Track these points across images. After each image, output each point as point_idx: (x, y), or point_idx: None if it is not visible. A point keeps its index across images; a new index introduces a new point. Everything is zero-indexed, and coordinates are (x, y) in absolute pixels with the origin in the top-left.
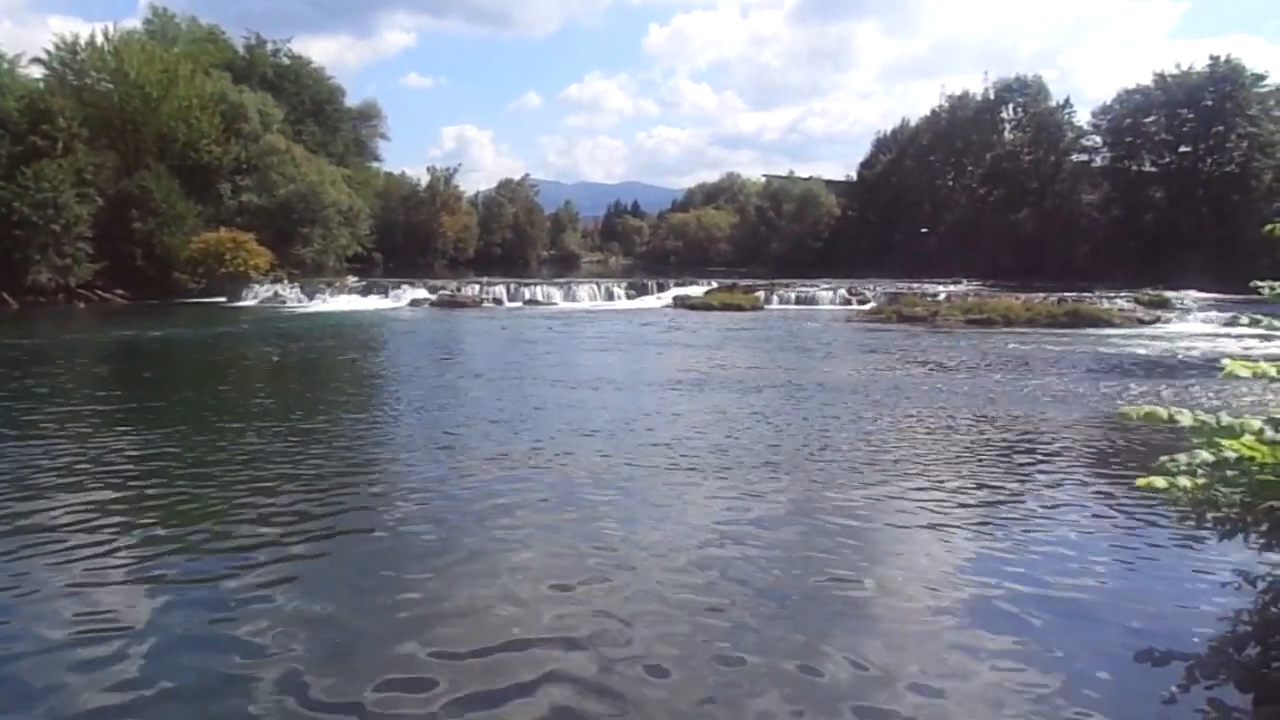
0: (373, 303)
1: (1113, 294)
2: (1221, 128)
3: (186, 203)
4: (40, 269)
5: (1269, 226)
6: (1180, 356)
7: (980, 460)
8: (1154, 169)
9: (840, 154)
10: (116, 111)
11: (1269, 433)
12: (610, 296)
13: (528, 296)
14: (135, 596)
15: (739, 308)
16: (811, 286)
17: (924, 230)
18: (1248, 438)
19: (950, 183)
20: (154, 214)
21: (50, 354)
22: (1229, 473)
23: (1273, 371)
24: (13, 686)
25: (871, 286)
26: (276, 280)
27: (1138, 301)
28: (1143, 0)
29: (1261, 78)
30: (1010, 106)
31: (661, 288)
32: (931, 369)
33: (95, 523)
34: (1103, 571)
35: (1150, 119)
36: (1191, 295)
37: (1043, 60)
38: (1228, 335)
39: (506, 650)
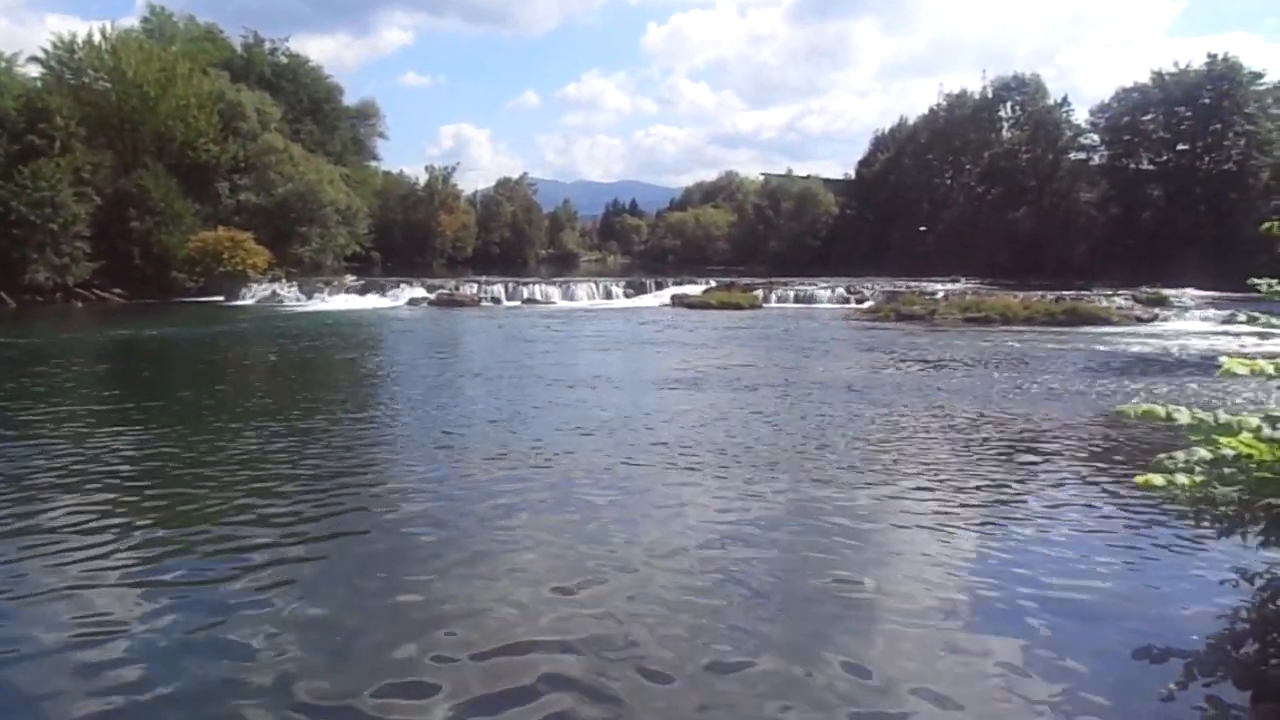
0: (371, 302)
1: (1110, 292)
2: (1219, 126)
3: (184, 201)
4: (38, 268)
5: (1266, 224)
6: (1178, 354)
7: (978, 459)
8: (1152, 167)
9: (838, 152)
10: (114, 110)
11: (1267, 430)
12: (608, 295)
13: (526, 295)
14: (132, 599)
15: (737, 306)
16: (810, 285)
17: (922, 229)
18: (1245, 435)
19: (948, 181)
20: (152, 213)
21: (47, 353)
22: (1227, 470)
23: (1270, 369)
24: (8, 690)
25: (870, 285)
26: (274, 279)
27: (1135, 299)
28: None
29: (1259, 75)
30: (1008, 105)
31: (660, 286)
32: (929, 367)
33: (92, 524)
34: (1100, 569)
35: (1148, 117)
36: (1189, 293)
37: (1041, 58)
38: (1225, 333)
39: (506, 654)
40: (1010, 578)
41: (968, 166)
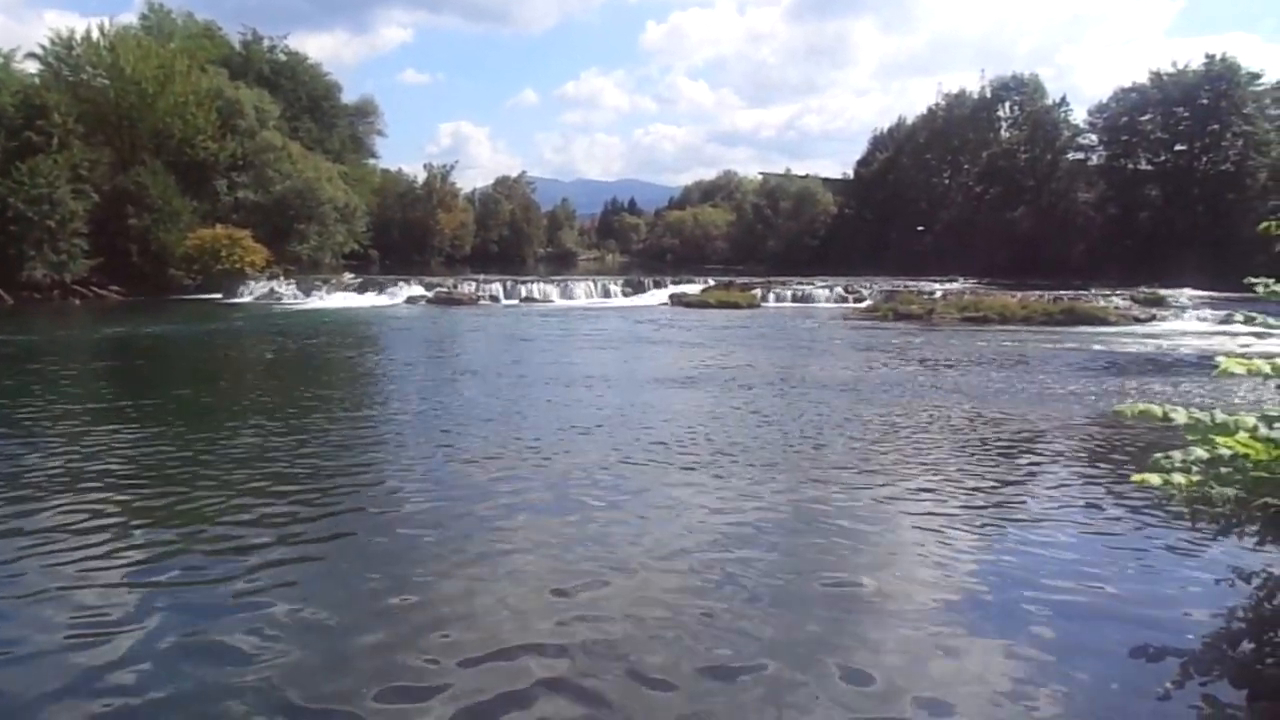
0: (369, 300)
1: (1108, 292)
2: (1217, 126)
3: (182, 199)
4: (35, 265)
5: (1264, 224)
6: (1175, 354)
7: (975, 458)
8: (1150, 167)
9: (837, 152)
10: (112, 107)
11: (1263, 430)
12: (607, 294)
13: (524, 294)
14: (128, 599)
15: (735, 305)
16: (808, 284)
17: (920, 228)
18: (1242, 435)
19: (946, 181)
20: (149, 210)
21: (44, 350)
22: (1223, 470)
23: (1267, 369)
24: (2, 692)
25: (868, 284)
26: (272, 277)
27: (1133, 299)
28: None
29: (1257, 76)
30: (1007, 105)
31: (658, 285)
32: (927, 367)
33: (88, 523)
34: (1097, 568)
35: (1146, 117)
36: (1186, 293)
37: (1039, 58)
38: (1222, 333)
39: (503, 657)
40: (1007, 577)
41: (966, 166)
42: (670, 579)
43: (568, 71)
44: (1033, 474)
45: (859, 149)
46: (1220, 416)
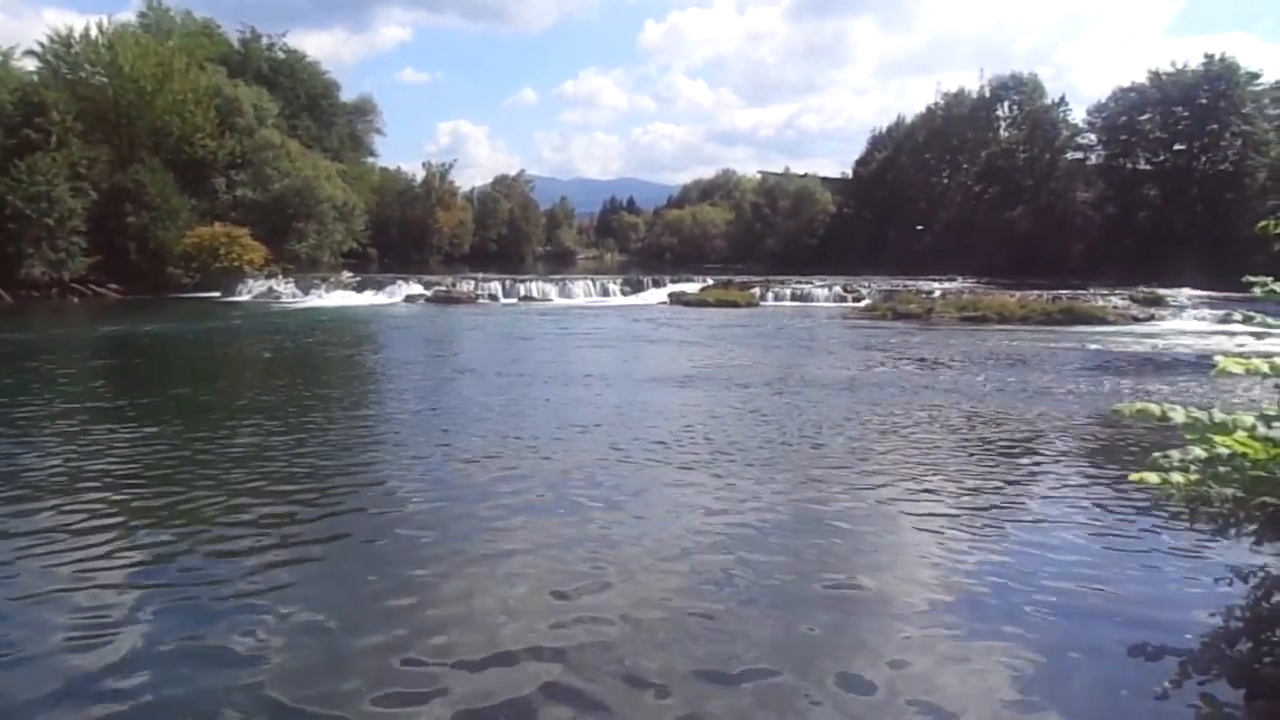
0: (367, 298)
1: (1107, 291)
2: (1216, 126)
3: (181, 197)
4: (33, 263)
5: (1263, 223)
6: (1173, 354)
7: (973, 457)
8: (1148, 167)
9: (836, 151)
10: (111, 105)
11: (1261, 429)
12: (606, 293)
13: (523, 293)
14: (124, 601)
15: (734, 304)
16: (807, 283)
17: (919, 227)
18: (1240, 434)
19: (945, 180)
20: (148, 208)
21: (42, 349)
22: (1221, 469)
23: (1265, 368)
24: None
25: (866, 284)
26: (271, 275)
27: (1132, 299)
28: None
29: (1256, 76)
30: (1005, 104)
31: (657, 284)
32: (925, 366)
33: (85, 524)
34: (1096, 568)
35: (1145, 117)
36: (1185, 293)
37: (1038, 57)
38: (1221, 332)
39: (504, 660)
40: (1005, 577)
41: (965, 165)
42: (669, 580)
43: (566, 70)
44: (1031, 473)
45: (858, 148)
46: (1218, 415)
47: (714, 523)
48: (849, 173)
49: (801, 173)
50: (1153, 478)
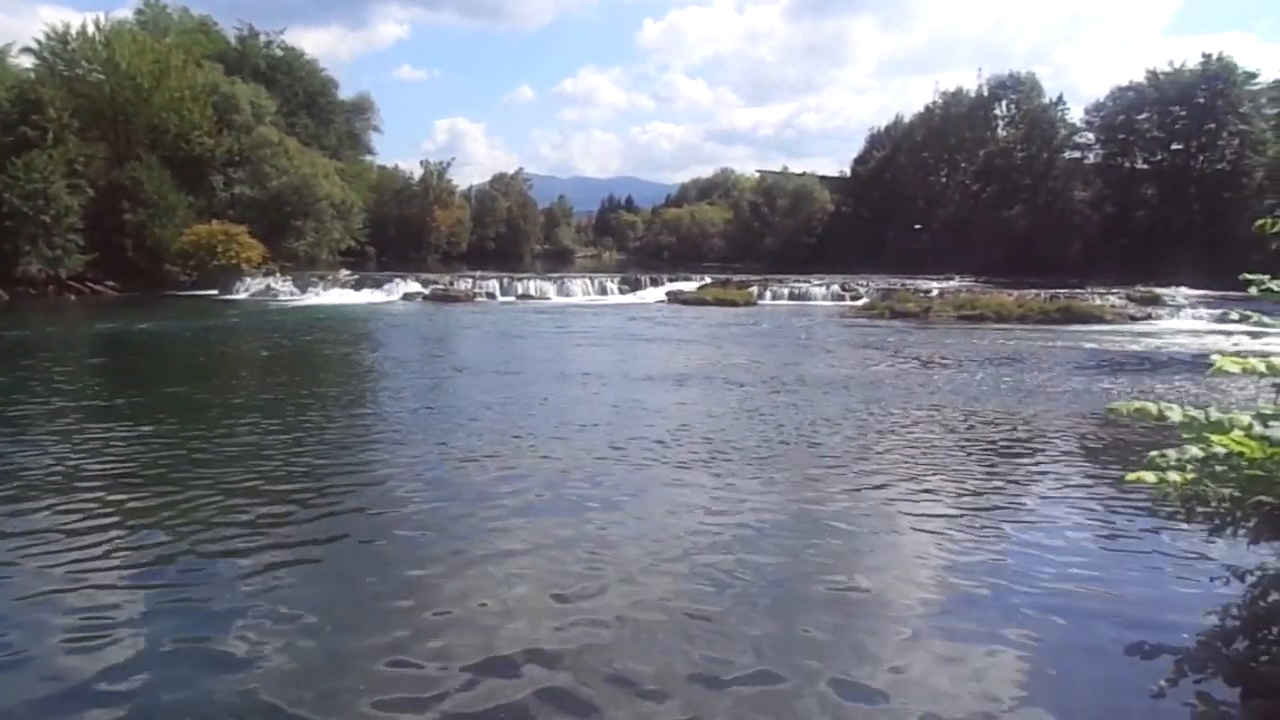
0: (365, 296)
1: (1104, 290)
2: (1213, 125)
3: (178, 194)
4: (30, 260)
5: (1260, 222)
6: (1170, 353)
7: (970, 456)
8: (1146, 166)
9: (834, 150)
10: (108, 102)
11: (1258, 428)
12: (604, 291)
13: (521, 291)
14: (120, 603)
15: (732, 303)
16: (805, 282)
17: (917, 226)
18: (1237, 433)
19: (944, 179)
20: (145, 205)
21: (38, 346)
22: (1218, 468)
23: (1262, 367)
24: None
25: (864, 282)
26: (268, 273)
27: (1129, 298)
28: None
29: (1253, 75)
30: (1004, 103)
31: (655, 283)
32: (923, 365)
33: (82, 524)
34: (1092, 566)
35: (1143, 116)
36: (1182, 292)
37: (1037, 57)
38: (1218, 331)
39: (503, 663)
40: (1002, 576)
41: (963, 164)
42: (667, 581)
43: (565, 69)
44: (1028, 473)
45: (856, 147)
46: (1215, 415)
47: (712, 523)
48: (847, 172)
49: (800, 172)
50: (1150, 477)
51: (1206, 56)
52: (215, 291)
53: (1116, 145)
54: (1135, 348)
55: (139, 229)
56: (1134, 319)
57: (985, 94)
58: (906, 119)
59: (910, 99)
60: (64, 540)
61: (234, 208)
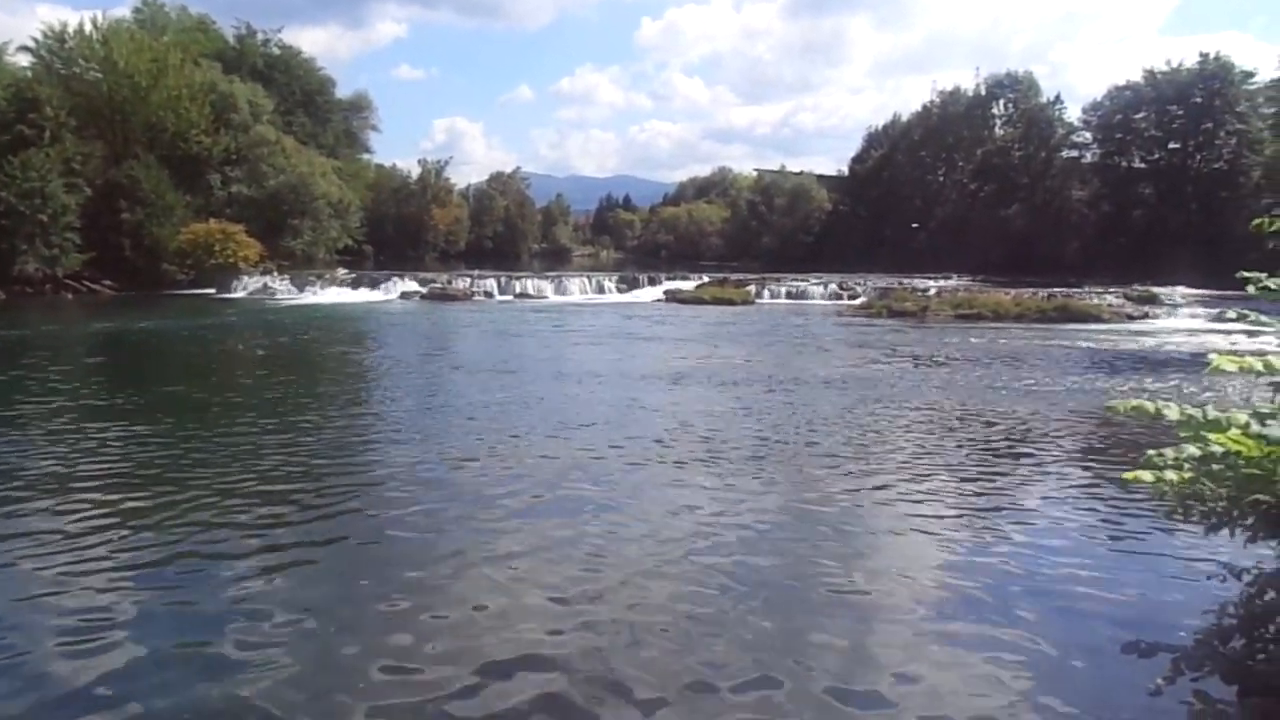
0: (363, 295)
1: (1102, 289)
2: (1210, 124)
3: (175, 193)
4: (27, 259)
5: (1257, 221)
6: (1168, 351)
7: (967, 455)
8: (1143, 165)
9: (832, 149)
10: (105, 101)
11: (1255, 427)
12: (601, 290)
13: (518, 290)
14: (116, 605)
15: (730, 302)
16: (802, 281)
17: (915, 225)
18: (1234, 432)
19: (941, 178)
20: (142, 204)
21: (36, 345)
22: (1215, 467)
23: (1259, 366)
24: None
25: (862, 281)
26: (266, 272)
27: (1126, 297)
28: None
29: (1250, 75)
30: (1001, 102)
31: (653, 281)
32: (921, 364)
33: (78, 525)
34: (1089, 565)
35: (1140, 115)
36: (1180, 291)
37: (1034, 56)
38: (1215, 330)
39: (501, 667)
40: (999, 574)
41: (960, 163)
42: (667, 584)
43: (563, 67)
44: (1025, 472)
45: (854, 146)
46: (1212, 413)
47: (711, 523)
48: (845, 171)
49: (797, 170)
50: (1147, 476)
51: (1204, 56)
52: (213, 290)
53: (1114, 144)
54: (1132, 347)
55: (136, 228)
56: (1131, 318)
57: (982, 93)
58: (904, 118)
59: (907, 98)
60: (60, 541)
61: (231, 206)
